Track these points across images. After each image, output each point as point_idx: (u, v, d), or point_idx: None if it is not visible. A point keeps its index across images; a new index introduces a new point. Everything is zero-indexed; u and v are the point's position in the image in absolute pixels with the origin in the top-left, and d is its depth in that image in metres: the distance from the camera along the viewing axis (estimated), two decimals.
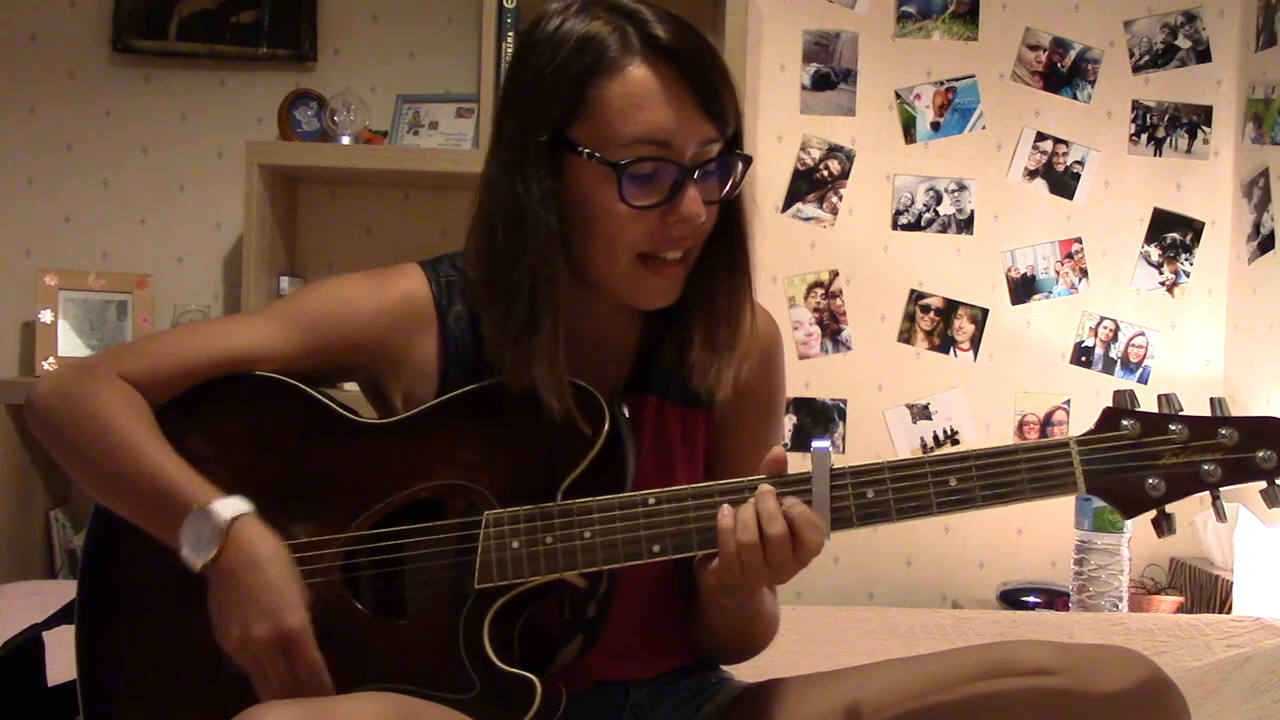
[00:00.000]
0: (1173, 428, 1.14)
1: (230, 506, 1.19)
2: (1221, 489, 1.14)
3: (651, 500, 1.21)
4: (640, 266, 1.26)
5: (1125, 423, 1.15)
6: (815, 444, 1.21)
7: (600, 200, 1.22)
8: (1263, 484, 1.13)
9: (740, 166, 1.27)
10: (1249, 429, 1.13)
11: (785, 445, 1.34)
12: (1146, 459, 1.14)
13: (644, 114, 1.20)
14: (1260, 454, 1.12)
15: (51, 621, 1.40)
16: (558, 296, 1.24)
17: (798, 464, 1.19)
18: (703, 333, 1.31)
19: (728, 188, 1.27)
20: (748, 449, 1.36)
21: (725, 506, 1.19)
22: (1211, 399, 1.16)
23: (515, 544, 1.22)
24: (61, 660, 1.38)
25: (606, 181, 1.21)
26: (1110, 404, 1.17)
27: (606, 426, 1.23)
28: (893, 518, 1.18)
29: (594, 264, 1.27)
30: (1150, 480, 1.14)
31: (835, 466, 1.19)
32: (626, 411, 1.27)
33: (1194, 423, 1.14)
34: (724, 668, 1.46)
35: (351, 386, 1.44)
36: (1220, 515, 1.15)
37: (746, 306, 1.33)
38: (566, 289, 1.27)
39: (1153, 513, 1.15)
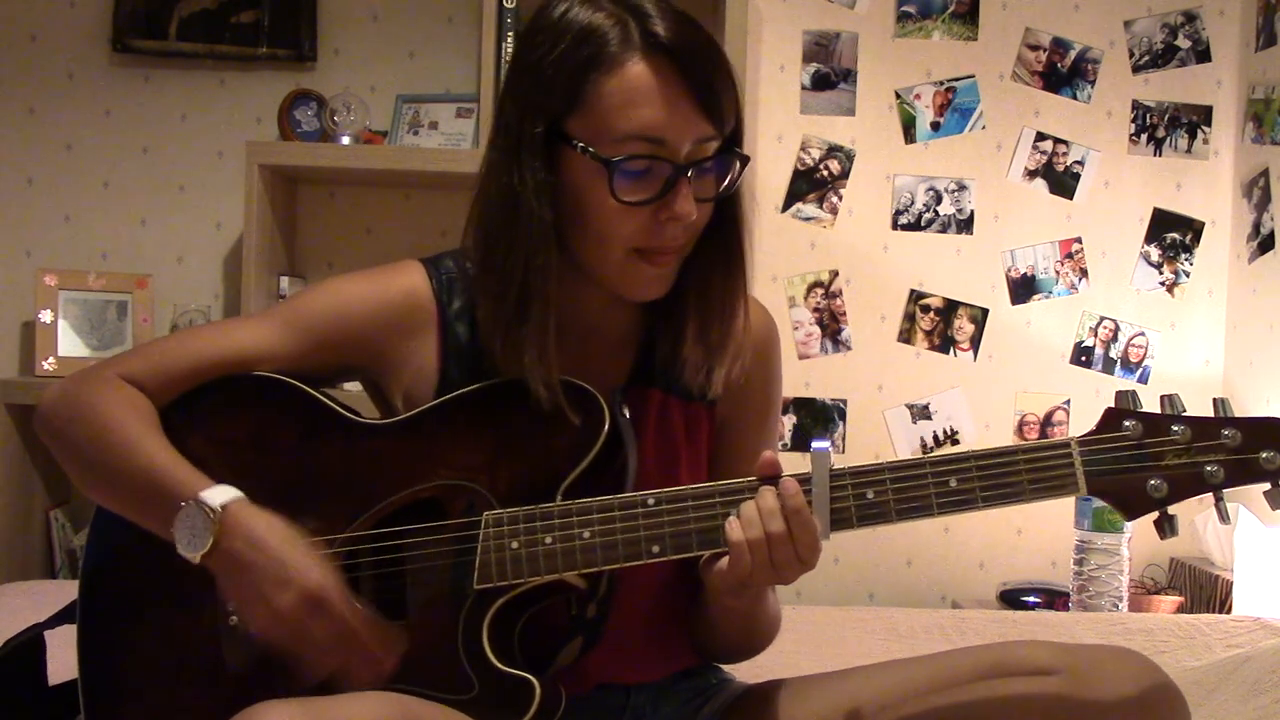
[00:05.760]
0: (1175, 428, 1.13)
1: (219, 494, 1.19)
2: (1225, 490, 1.13)
3: (651, 501, 1.21)
4: (633, 258, 1.26)
5: (1127, 423, 1.15)
6: (815, 445, 1.21)
7: (593, 194, 1.23)
8: (1267, 485, 1.12)
9: (737, 165, 1.27)
10: (1252, 429, 1.12)
11: (784, 444, 1.34)
12: (1148, 460, 1.13)
13: (638, 111, 1.20)
14: (1264, 455, 1.11)
15: (54, 621, 1.41)
16: (549, 288, 1.24)
17: (798, 464, 1.19)
18: (696, 328, 1.31)
19: (724, 185, 1.27)
20: (746, 444, 1.37)
21: (732, 517, 1.18)
22: (1215, 399, 1.15)
23: (514, 544, 1.21)
24: (62, 659, 1.38)
25: (599, 176, 1.22)
26: (1112, 404, 1.16)
27: (606, 427, 1.23)
28: (893, 519, 1.17)
29: (587, 256, 1.27)
30: (1152, 481, 1.13)
31: (835, 467, 1.19)
32: (627, 412, 1.27)
33: (1197, 423, 1.13)
34: (725, 669, 1.46)
35: (353, 386, 1.44)
36: (1224, 517, 1.14)
37: (740, 304, 1.33)
38: (563, 281, 1.27)
39: (1155, 514, 1.14)
